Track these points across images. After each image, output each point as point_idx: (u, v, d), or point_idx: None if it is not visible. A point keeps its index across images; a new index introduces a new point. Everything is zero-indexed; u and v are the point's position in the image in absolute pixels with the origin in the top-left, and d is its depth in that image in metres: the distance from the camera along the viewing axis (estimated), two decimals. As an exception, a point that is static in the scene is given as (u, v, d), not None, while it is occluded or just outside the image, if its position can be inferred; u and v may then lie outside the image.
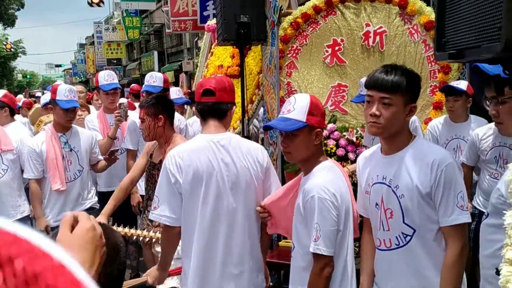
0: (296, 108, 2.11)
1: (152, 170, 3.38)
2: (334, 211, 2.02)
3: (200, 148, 2.35)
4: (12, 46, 36.20)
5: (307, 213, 2.06)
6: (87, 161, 4.00)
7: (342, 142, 4.44)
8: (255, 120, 5.57)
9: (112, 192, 3.65)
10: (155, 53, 30.71)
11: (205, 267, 2.36)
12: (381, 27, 4.73)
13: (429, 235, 1.94)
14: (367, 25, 4.75)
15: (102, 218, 3.20)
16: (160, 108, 3.27)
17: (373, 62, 4.75)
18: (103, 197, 4.15)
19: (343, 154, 4.39)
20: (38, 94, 14.11)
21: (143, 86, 4.64)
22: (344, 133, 4.50)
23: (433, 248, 1.95)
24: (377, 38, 4.74)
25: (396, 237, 1.99)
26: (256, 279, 2.46)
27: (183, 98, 5.09)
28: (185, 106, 6.27)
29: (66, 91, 3.82)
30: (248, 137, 5.14)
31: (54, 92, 3.85)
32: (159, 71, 28.61)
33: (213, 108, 2.41)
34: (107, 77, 4.62)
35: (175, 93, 5.13)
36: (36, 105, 6.76)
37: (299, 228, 2.16)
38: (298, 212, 2.14)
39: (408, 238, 1.95)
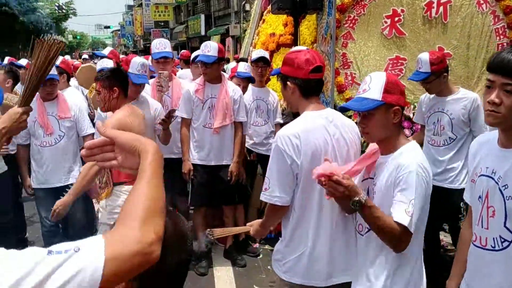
0: (372, 87, 2.04)
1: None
2: (427, 191, 2.00)
3: (315, 126, 2.34)
4: (63, 7, 36.88)
5: (399, 188, 1.98)
6: (149, 131, 3.96)
7: (398, 118, 4.28)
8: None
9: (168, 159, 3.68)
10: (202, 16, 30.60)
11: (318, 238, 2.41)
12: (446, -3, 4.46)
13: None
14: (431, -6, 4.48)
15: (70, 198, 3.25)
16: (114, 81, 3.38)
17: (434, 34, 4.51)
18: None
19: (398, 131, 4.23)
20: (85, 56, 14.33)
21: (198, 56, 4.55)
22: (401, 109, 4.33)
23: None
24: (441, 8, 4.48)
25: (494, 239, 1.81)
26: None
27: (249, 73, 4.98)
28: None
29: (139, 66, 3.91)
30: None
31: (127, 63, 3.94)
32: (205, 34, 28.57)
33: (319, 85, 2.44)
34: (158, 45, 4.61)
35: (243, 67, 5.03)
36: (82, 66, 6.76)
37: (382, 209, 2.05)
38: (381, 190, 2.08)
39: (506, 243, 1.77)
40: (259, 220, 2.64)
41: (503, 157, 1.78)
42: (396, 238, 1.95)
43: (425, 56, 3.60)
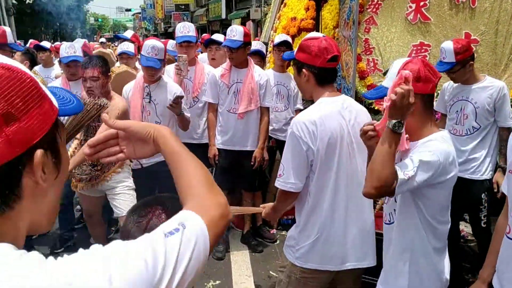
0: (390, 74, 1.98)
1: (92, 122, 3.41)
2: (442, 177, 1.90)
3: (331, 112, 2.34)
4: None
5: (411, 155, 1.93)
6: (167, 114, 3.96)
7: (421, 105, 4.20)
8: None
9: (187, 144, 3.64)
10: (223, -1, 30.35)
11: (333, 223, 2.42)
12: (474, -19, 4.31)
13: None
14: (458, -22, 4.34)
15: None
16: (108, 67, 3.58)
17: (461, 19, 4.38)
18: None
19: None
20: (103, 40, 14.35)
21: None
22: (424, 96, 4.23)
23: None
24: (469, -8, 4.33)
25: None
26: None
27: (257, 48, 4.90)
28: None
29: (149, 48, 3.83)
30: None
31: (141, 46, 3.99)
32: (226, 18, 28.40)
33: (334, 73, 2.47)
34: (182, 29, 4.57)
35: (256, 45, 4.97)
36: (116, 73, 6.74)
37: (405, 197, 2.01)
38: None
39: None
40: (271, 204, 2.66)
41: None
42: (381, 182, 1.79)
43: (449, 45, 3.43)
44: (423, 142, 1.95)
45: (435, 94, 4.25)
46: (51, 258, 0.70)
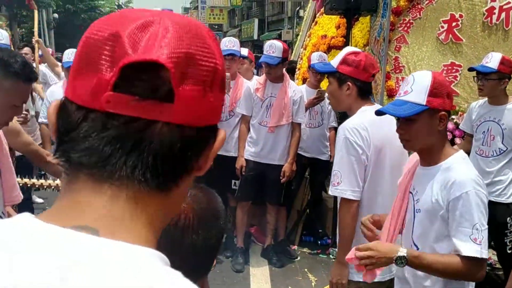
0: (415, 89, 1.81)
1: None
2: (486, 210, 1.77)
3: (380, 120, 2.31)
4: (123, 6, 38.21)
5: (457, 212, 1.75)
6: None
7: (450, 126, 4.13)
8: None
9: (222, 156, 4.09)
10: (256, 20, 30.84)
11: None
12: (509, 3, 4.26)
13: None
14: (493, 0, 4.30)
15: None
16: None
17: (494, 41, 4.33)
18: None
19: (449, 139, 4.09)
20: None
21: (262, 56, 4.54)
22: (453, 116, 4.17)
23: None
24: (503, 14, 4.29)
25: None
26: None
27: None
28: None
29: None
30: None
31: None
32: (258, 38, 28.76)
33: (371, 88, 2.60)
34: (228, 43, 4.62)
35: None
36: None
37: (428, 228, 1.88)
38: (426, 207, 1.87)
39: None
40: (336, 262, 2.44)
41: None
42: (467, 272, 1.73)
43: (497, 53, 3.52)
44: (445, 170, 1.82)
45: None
46: None
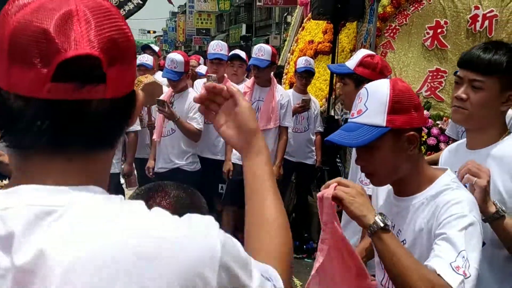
0: (370, 107, 1.40)
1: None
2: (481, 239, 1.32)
3: None
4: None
5: (444, 229, 1.31)
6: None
7: (435, 131, 4.17)
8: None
9: (209, 159, 4.29)
10: (244, 25, 30.91)
11: None
12: (492, 11, 4.33)
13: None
14: (476, 7, 4.37)
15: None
16: None
17: (478, 48, 4.38)
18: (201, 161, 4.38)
19: (434, 144, 4.13)
20: None
21: (251, 59, 4.52)
22: (438, 122, 4.22)
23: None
24: (486, 22, 4.35)
25: None
26: None
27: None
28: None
29: (168, 61, 4.11)
30: (332, 116, 5.00)
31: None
32: (245, 44, 28.78)
33: None
34: (215, 47, 4.65)
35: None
36: (145, 83, 6.87)
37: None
38: (413, 240, 1.43)
39: None
40: None
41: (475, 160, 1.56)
42: None
43: None
44: (431, 198, 1.40)
45: (450, 121, 4.24)
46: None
